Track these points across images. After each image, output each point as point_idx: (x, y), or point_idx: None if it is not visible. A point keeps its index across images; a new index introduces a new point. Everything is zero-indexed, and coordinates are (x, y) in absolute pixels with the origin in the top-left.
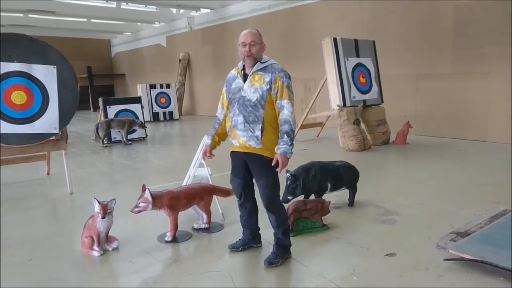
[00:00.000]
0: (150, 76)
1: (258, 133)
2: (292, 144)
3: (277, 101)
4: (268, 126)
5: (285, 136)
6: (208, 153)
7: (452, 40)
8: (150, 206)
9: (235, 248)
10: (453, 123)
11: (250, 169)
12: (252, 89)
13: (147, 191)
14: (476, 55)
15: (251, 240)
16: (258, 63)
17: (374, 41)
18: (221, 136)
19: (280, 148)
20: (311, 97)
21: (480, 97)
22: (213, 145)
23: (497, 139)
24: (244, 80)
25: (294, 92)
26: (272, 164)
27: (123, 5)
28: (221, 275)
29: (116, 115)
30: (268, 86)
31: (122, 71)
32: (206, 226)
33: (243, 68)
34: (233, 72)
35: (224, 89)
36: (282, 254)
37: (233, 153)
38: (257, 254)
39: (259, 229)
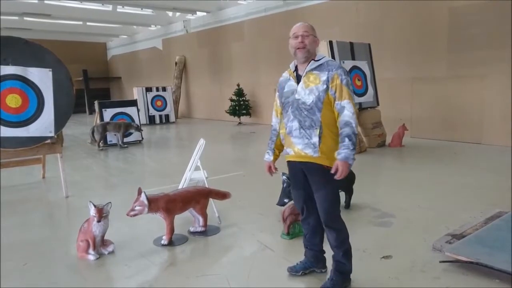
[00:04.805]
0: (146, 79)
1: (315, 139)
2: (354, 149)
3: (336, 102)
4: (327, 131)
5: (346, 139)
6: (273, 168)
7: (447, 43)
8: (146, 209)
9: (294, 271)
10: (448, 125)
11: (308, 180)
12: (307, 91)
13: (143, 194)
14: (471, 58)
15: (313, 263)
16: (312, 61)
17: (369, 44)
18: (280, 148)
19: (341, 154)
20: None
21: (475, 99)
22: (275, 159)
23: (492, 142)
24: (298, 81)
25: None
26: (332, 172)
27: (119, 8)
28: (217, 278)
29: (112, 118)
30: (325, 86)
31: (118, 74)
32: (203, 229)
33: (296, 69)
34: (285, 74)
35: (277, 94)
36: (341, 282)
37: (290, 163)
38: (254, 257)
39: (323, 251)
